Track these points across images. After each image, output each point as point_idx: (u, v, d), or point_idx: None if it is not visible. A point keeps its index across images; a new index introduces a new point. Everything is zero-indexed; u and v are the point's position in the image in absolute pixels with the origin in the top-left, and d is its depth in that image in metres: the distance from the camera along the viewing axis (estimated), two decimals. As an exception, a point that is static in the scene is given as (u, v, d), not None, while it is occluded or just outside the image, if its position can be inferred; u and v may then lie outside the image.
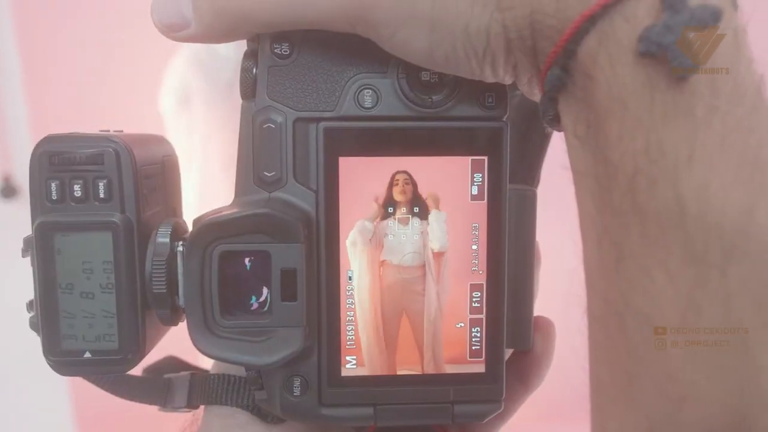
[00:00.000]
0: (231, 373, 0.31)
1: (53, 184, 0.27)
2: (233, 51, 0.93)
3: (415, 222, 0.28)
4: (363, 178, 0.28)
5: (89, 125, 0.29)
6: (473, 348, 0.29)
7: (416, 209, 0.28)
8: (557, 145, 0.26)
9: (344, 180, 0.28)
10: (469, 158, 0.28)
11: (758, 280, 0.18)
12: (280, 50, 0.27)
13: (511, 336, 0.29)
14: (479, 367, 0.29)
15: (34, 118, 1.13)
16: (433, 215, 0.28)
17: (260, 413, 0.31)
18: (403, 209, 0.28)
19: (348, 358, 0.29)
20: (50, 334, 0.27)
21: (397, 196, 0.28)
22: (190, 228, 0.27)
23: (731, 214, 0.18)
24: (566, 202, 0.24)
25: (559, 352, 0.32)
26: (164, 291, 0.27)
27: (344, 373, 0.29)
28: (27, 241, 0.27)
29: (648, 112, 0.19)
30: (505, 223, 0.28)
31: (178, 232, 0.28)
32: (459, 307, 0.29)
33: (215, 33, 0.25)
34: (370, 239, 0.28)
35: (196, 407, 0.32)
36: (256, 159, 0.27)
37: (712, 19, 0.19)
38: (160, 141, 0.33)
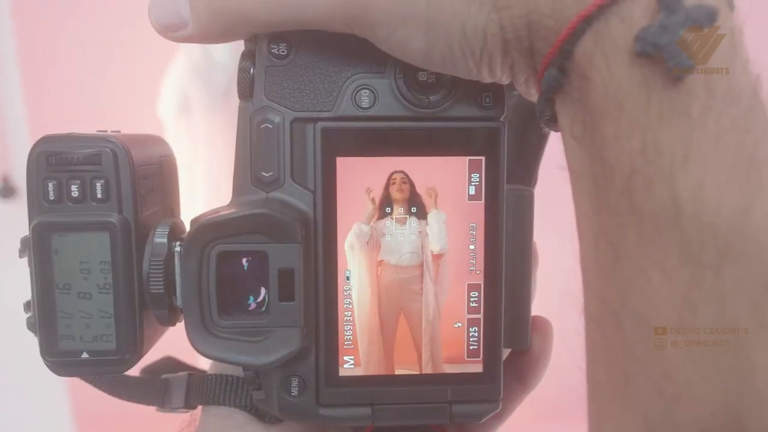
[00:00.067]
0: (229, 374, 0.31)
1: (50, 185, 0.27)
2: (230, 58, 0.93)
3: (413, 222, 0.28)
4: (360, 178, 0.28)
5: (88, 125, 0.29)
6: (471, 348, 0.29)
7: (413, 209, 0.28)
8: (554, 145, 0.26)
9: (342, 180, 0.28)
10: (467, 158, 0.28)
11: (753, 280, 0.18)
12: (278, 50, 0.27)
13: (509, 336, 0.30)
14: (477, 367, 0.29)
15: (33, 118, 1.13)
16: (432, 215, 0.28)
17: (258, 413, 0.31)
18: (401, 209, 0.28)
19: (345, 358, 0.29)
20: (47, 335, 0.27)
21: (395, 196, 0.28)
22: (187, 228, 0.27)
23: (726, 214, 0.18)
24: (563, 202, 0.24)
25: (557, 351, 0.32)
26: (162, 291, 0.27)
27: (342, 373, 0.29)
28: (24, 242, 0.27)
29: (644, 112, 0.19)
30: (503, 223, 0.28)
31: (175, 232, 0.28)
32: (457, 307, 0.29)
33: (212, 33, 0.25)
34: (367, 241, 0.28)
35: (194, 407, 0.32)
36: (254, 159, 0.27)
37: (707, 19, 0.19)
38: (158, 141, 0.33)
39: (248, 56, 0.27)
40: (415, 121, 0.27)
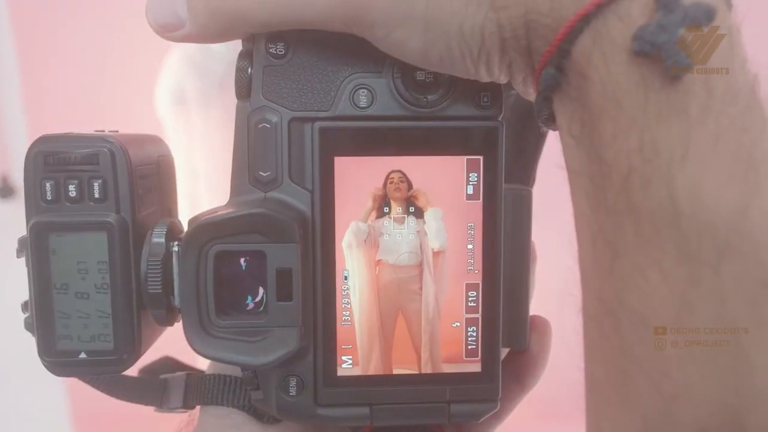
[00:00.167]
0: (227, 374, 0.31)
1: (48, 184, 0.27)
2: (225, 47, 0.92)
3: (411, 221, 0.28)
4: (358, 178, 0.28)
5: (87, 125, 0.29)
6: (469, 347, 0.29)
7: (411, 208, 0.28)
8: (553, 144, 0.26)
9: (339, 179, 0.28)
10: (465, 158, 0.28)
11: (751, 279, 0.18)
12: (276, 50, 0.27)
13: (507, 335, 0.30)
14: (475, 367, 0.29)
15: (32, 118, 1.13)
16: (429, 213, 0.28)
17: (256, 413, 0.31)
18: (399, 209, 0.28)
19: (344, 357, 0.29)
20: (45, 335, 0.27)
21: (393, 195, 0.28)
22: (185, 228, 0.27)
23: (724, 213, 0.18)
24: (561, 201, 0.24)
25: (555, 351, 0.32)
26: (159, 291, 0.27)
27: (340, 372, 0.29)
28: (22, 242, 0.27)
29: (642, 111, 0.19)
30: (501, 222, 0.28)
31: (173, 232, 0.28)
32: (455, 306, 0.29)
33: (210, 33, 0.25)
34: (365, 239, 0.28)
35: (192, 408, 0.32)
36: (252, 159, 0.27)
37: (705, 18, 0.19)
38: (156, 141, 0.32)
39: (246, 56, 0.27)
40: (413, 121, 0.27)
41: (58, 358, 0.27)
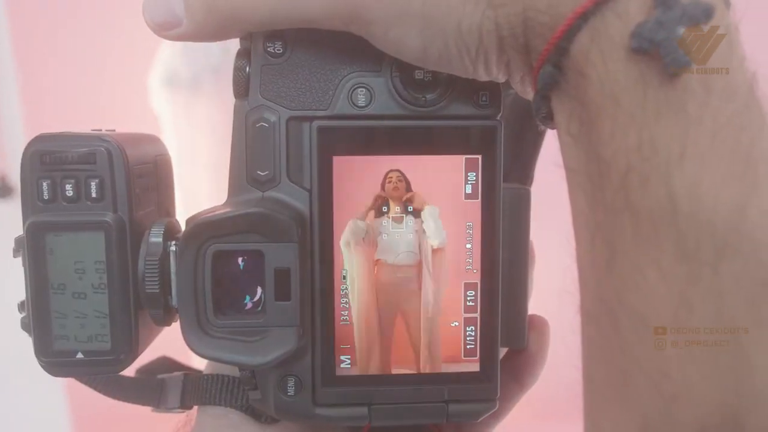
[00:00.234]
0: (225, 373, 0.31)
1: (45, 184, 0.27)
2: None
3: (409, 220, 0.28)
4: (356, 177, 0.28)
5: (86, 125, 0.29)
6: (468, 347, 0.29)
7: (410, 208, 0.28)
8: (551, 143, 0.26)
9: (338, 179, 0.27)
10: (463, 157, 0.28)
11: (750, 278, 0.18)
12: (273, 49, 0.27)
13: (506, 335, 0.29)
14: (474, 366, 0.29)
15: (30, 118, 1.13)
16: (426, 211, 0.28)
17: (254, 413, 0.31)
18: (397, 208, 0.28)
19: (342, 357, 0.29)
20: (42, 335, 0.27)
21: (391, 195, 0.28)
22: (183, 228, 0.27)
23: (723, 211, 0.18)
24: (560, 200, 0.24)
25: (554, 350, 0.32)
26: (157, 291, 0.27)
27: (338, 372, 0.28)
28: (18, 241, 0.27)
29: (640, 109, 0.19)
30: (499, 222, 0.28)
31: (171, 231, 0.28)
32: (453, 306, 0.29)
33: (207, 31, 0.25)
34: (363, 238, 0.28)
35: (190, 408, 0.32)
36: (250, 158, 0.27)
37: (704, 16, 0.19)
38: (153, 140, 0.32)
39: (244, 55, 0.27)
40: (412, 120, 0.27)
41: (55, 358, 0.27)
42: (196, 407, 0.32)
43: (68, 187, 0.27)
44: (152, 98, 0.99)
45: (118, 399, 0.32)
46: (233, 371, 0.31)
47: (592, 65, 0.20)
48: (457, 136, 0.28)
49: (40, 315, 0.27)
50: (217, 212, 0.26)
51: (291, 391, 0.28)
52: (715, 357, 0.18)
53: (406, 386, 0.29)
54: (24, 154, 0.27)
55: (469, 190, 0.28)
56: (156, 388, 0.32)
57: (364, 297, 0.28)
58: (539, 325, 0.32)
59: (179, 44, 0.94)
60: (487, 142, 0.28)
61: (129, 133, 0.29)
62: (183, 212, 0.32)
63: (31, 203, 0.27)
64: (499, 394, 0.29)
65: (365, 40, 0.24)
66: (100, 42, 1.09)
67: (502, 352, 0.31)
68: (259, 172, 0.27)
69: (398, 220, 0.28)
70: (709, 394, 0.18)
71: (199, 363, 0.33)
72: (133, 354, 0.28)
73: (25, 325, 0.28)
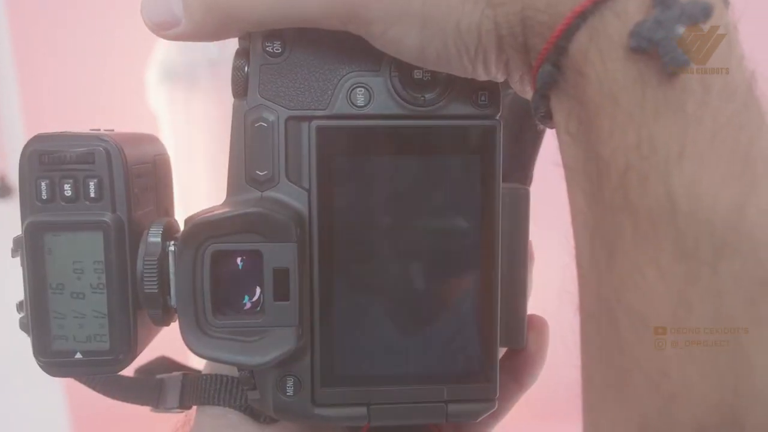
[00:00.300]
0: (223, 373, 0.31)
1: (43, 184, 0.27)
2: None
3: (408, 220, 0.28)
4: (356, 177, 0.28)
5: (86, 125, 0.29)
6: (467, 347, 0.29)
7: (409, 207, 0.28)
8: (550, 142, 0.26)
9: (337, 178, 0.27)
10: (462, 157, 0.28)
11: (750, 278, 0.18)
12: (272, 48, 0.26)
13: (505, 334, 0.29)
14: (473, 366, 0.29)
15: (29, 118, 1.13)
16: None
17: (253, 413, 0.31)
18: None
19: (341, 357, 0.28)
20: (40, 335, 0.27)
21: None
22: (181, 227, 0.27)
23: (722, 210, 0.18)
24: (558, 199, 0.24)
25: (553, 350, 0.32)
26: (156, 291, 0.27)
27: (337, 372, 0.28)
28: (17, 241, 0.27)
29: (639, 108, 0.19)
30: (499, 221, 0.28)
31: (169, 231, 0.28)
32: (453, 305, 0.29)
33: (206, 31, 0.25)
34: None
35: (189, 408, 0.32)
36: (248, 158, 0.27)
37: (702, 15, 0.19)
38: (152, 140, 0.32)
39: (242, 54, 0.27)
40: (411, 120, 0.27)
41: (54, 358, 0.27)
42: (194, 407, 0.32)
43: (67, 187, 0.27)
44: (150, 96, 0.99)
45: (117, 399, 0.32)
46: (232, 371, 0.31)
47: (591, 64, 0.20)
48: (456, 135, 0.28)
49: (39, 315, 0.27)
50: (215, 212, 0.26)
51: (290, 391, 0.28)
52: (715, 356, 0.18)
53: (406, 386, 0.29)
54: (22, 153, 0.27)
55: (468, 189, 0.28)
56: (155, 388, 0.32)
57: (363, 297, 0.28)
58: (538, 324, 0.32)
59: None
60: (486, 141, 0.28)
61: (128, 133, 0.29)
62: (181, 211, 0.32)
63: (29, 203, 0.27)
64: (498, 394, 0.29)
65: (364, 40, 0.24)
66: (99, 42, 1.09)
67: (502, 351, 0.31)
68: (257, 171, 0.27)
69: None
70: (709, 393, 0.18)
71: (198, 363, 0.33)
72: (131, 354, 0.28)
73: (23, 325, 0.28)
